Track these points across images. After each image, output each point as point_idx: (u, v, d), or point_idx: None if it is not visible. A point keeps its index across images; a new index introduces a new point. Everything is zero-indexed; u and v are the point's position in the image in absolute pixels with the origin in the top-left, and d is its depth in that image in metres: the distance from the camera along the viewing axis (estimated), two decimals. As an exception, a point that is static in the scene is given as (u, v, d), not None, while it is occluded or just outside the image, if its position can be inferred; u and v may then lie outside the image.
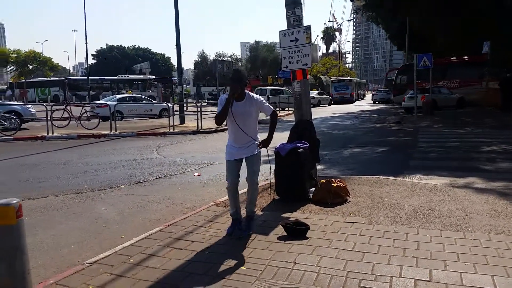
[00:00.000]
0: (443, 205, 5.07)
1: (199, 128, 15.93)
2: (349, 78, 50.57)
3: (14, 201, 2.69)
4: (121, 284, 3.21)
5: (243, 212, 4.47)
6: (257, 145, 4.28)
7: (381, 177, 6.75)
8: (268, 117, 4.41)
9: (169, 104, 19.89)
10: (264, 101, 4.35)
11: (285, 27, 6.15)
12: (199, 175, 7.75)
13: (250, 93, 4.29)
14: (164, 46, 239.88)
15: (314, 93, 35.69)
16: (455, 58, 25.80)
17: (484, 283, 3.02)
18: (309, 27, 5.90)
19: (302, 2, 6.06)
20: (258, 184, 4.39)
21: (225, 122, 4.19)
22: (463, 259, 3.44)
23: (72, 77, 60.51)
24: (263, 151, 4.39)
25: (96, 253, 3.93)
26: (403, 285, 3.03)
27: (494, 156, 8.95)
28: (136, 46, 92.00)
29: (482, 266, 3.29)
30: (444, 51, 25.79)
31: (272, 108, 4.45)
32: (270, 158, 4.92)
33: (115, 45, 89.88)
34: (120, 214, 5.37)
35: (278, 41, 6.25)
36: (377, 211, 4.88)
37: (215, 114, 4.16)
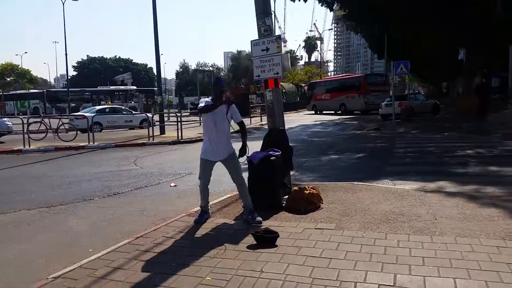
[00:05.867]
0: (413, 210, 5.13)
1: (179, 138, 15.85)
2: None
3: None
4: (84, 298, 3.15)
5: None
6: (233, 151, 4.95)
7: (355, 183, 6.80)
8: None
9: (149, 115, 19.76)
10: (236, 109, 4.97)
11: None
12: (175, 186, 7.70)
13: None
14: (146, 57, 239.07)
15: None
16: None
17: (446, 285, 3.06)
18: (279, 37, 5.97)
19: (271, 12, 6.12)
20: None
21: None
22: (428, 263, 3.48)
23: (51, 89, 59.54)
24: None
25: (63, 267, 3.85)
26: (367, 290, 3.04)
27: (467, 160, 9.10)
28: (118, 57, 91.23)
29: (446, 269, 3.34)
30: (421, 59, 26.31)
31: (241, 118, 5.08)
32: (243, 167, 5.02)
33: (96, 56, 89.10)
34: (91, 227, 5.29)
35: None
36: (348, 217, 4.92)
37: (200, 108, 4.79)
